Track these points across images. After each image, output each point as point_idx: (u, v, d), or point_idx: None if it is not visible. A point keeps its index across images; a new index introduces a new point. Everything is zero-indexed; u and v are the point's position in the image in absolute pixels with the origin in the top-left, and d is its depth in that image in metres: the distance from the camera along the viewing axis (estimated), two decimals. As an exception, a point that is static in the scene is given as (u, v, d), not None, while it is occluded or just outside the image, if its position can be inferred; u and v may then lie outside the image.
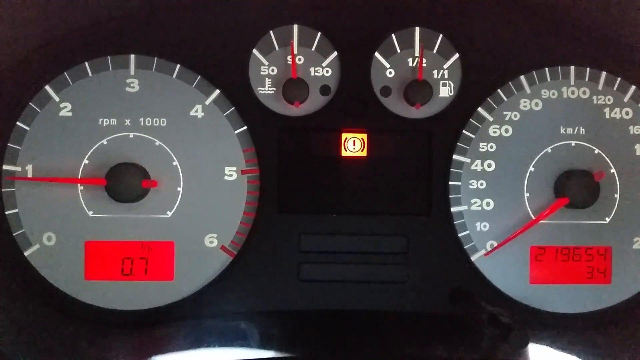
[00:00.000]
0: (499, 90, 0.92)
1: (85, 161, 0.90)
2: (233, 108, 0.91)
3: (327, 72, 0.92)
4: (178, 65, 0.91)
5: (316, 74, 0.92)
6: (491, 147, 0.92)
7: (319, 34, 0.91)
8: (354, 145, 0.93)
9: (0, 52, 0.86)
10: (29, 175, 0.90)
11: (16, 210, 0.90)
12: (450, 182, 0.92)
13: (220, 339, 0.89)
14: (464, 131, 0.92)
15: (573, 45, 0.93)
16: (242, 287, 0.92)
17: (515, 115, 0.93)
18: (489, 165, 0.92)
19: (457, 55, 0.91)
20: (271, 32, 0.91)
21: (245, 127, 0.92)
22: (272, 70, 0.92)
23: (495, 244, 0.92)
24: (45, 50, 0.90)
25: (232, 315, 0.92)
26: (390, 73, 0.92)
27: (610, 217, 0.93)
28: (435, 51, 0.92)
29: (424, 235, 0.92)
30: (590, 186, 0.90)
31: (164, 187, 0.91)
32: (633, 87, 0.93)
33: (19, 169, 0.89)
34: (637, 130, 0.93)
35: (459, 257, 0.92)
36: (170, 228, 0.91)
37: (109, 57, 0.90)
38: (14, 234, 0.90)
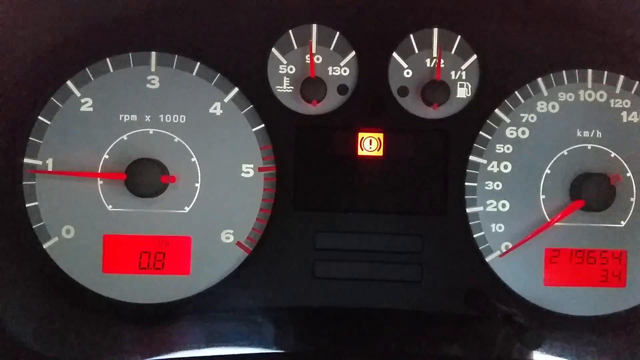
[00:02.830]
0: (516, 92, 0.93)
1: (106, 156, 0.91)
2: (251, 106, 0.92)
3: (344, 71, 0.92)
4: (198, 63, 0.92)
5: (334, 73, 0.92)
6: (508, 148, 0.93)
7: (338, 33, 0.92)
8: (370, 144, 0.93)
9: (23, 47, 0.87)
10: (50, 169, 0.91)
11: (36, 203, 0.91)
12: (466, 183, 0.92)
13: (234, 333, 0.90)
14: (480, 132, 0.92)
15: (591, 48, 0.93)
16: (257, 283, 0.92)
17: (532, 117, 0.93)
18: (505, 167, 0.93)
19: (475, 57, 0.92)
20: (290, 31, 0.92)
21: (262, 125, 0.92)
22: (291, 69, 0.92)
23: (510, 246, 0.92)
24: (67, 46, 0.91)
25: (247, 311, 0.93)
26: (407, 73, 0.92)
27: (626, 221, 0.93)
28: (453, 52, 0.92)
29: (438, 235, 0.92)
30: (606, 189, 0.90)
31: (182, 182, 0.92)
32: (651, 91, 0.93)
33: (39, 162, 0.91)
34: (655, 135, 0.93)
35: (474, 258, 0.92)
36: (188, 223, 0.92)
37: (130, 53, 0.91)
38: (33, 227, 0.91)
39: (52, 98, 0.91)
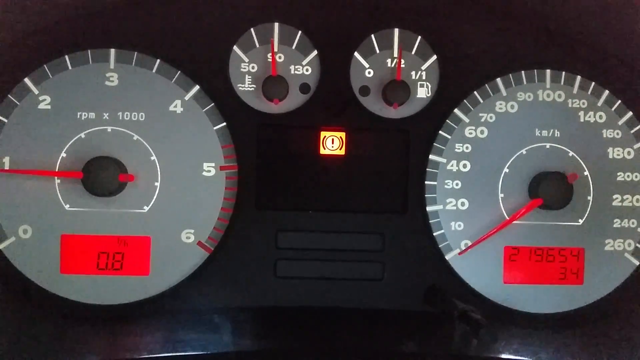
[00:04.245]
0: (475, 92, 0.94)
1: (63, 154, 0.90)
2: (212, 104, 0.92)
3: (307, 70, 0.93)
4: (158, 60, 0.91)
5: (296, 72, 0.92)
6: (467, 147, 0.93)
7: (300, 32, 0.92)
8: (332, 143, 0.94)
9: (-20, 44, 0.86)
10: (6, 167, 0.89)
11: (-8, 202, 0.89)
12: (426, 182, 0.93)
13: (195, 334, 0.89)
14: (440, 132, 0.93)
15: (549, 49, 0.95)
16: (219, 283, 0.92)
17: (491, 117, 0.94)
18: (465, 166, 0.94)
19: (435, 57, 0.93)
20: (252, 29, 0.92)
21: (224, 124, 0.92)
22: (252, 68, 0.92)
23: (470, 244, 0.93)
24: (25, 43, 0.90)
25: (208, 311, 0.92)
26: (369, 73, 0.93)
27: (584, 219, 0.94)
28: (413, 52, 0.93)
29: (399, 233, 0.93)
30: (564, 188, 0.91)
31: (141, 181, 0.91)
32: (607, 92, 0.95)
33: (-4, 161, 0.89)
34: (610, 134, 0.95)
35: (434, 256, 0.93)
36: (147, 223, 0.91)
37: (89, 50, 0.90)
38: (-11, 227, 0.89)
39: (9, 95, 0.90)
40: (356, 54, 0.93)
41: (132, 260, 0.91)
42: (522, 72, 0.94)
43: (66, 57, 0.90)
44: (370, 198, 0.93)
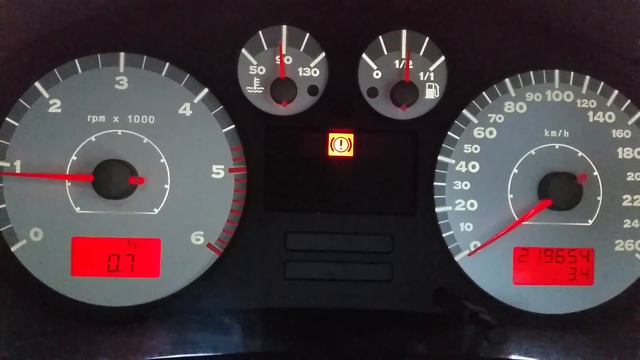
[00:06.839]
0: (483, 93, 0.94)
1: (74, 157, 0.91)
2: (221, 107, 0.92)
3: (315, 72, 0.93)
4: (167, 64, 0.91)
5: (304, 74, 0.93)
6: (475, 148, 0.93)
7: (308, 34, 0.92)
8: (340, 145, 0.94)
9: (-9, 49, 0.86)
10: (17, 170, 0.90)
11: (4, 205, 0.90)
12: (435, 183, 0.93)
13: (205, 336, 0.89)
14: (449, 133, 0.93)
15: (558, 49, 0.95)
16: (228, 285, 0.92)
17: (500, 118, 0.94)
18: (473, 167, 0.93)
19: (443, 58, 0.93)
20: (260, 32, 0.92)
21: (233, 126, 0.92)
22: (261, 70, 0.93)
23: (479, 245, 0.93)
24: (36, 47, 0.91)
25: (218, 313, 0.92)
26: (377, 74, 0.93)
27: (593, 219, 0.94)
28: (421, 53, 0.93)
29: (408, 235, 0.93)
30: (573, 188, 0.91)
31: (151, 184, 0.91)
32: (616, 92, 0.94)
33: (7, 164, 0.90)
34: (620, 134, 0.94)
35: (443, 257, 0.93)
36: (157, 225, 0.91)
37: (98, 54, 0.91)
38: (1, 230, 0.90)
39: (20, 99, 0.91)
40: (364, 55, 0.93)
41: (143, 262, 0.91)
42: (531, 72, 0.94)
43: (76, 61, 0.91)
44: (378, 199, 0.93)
